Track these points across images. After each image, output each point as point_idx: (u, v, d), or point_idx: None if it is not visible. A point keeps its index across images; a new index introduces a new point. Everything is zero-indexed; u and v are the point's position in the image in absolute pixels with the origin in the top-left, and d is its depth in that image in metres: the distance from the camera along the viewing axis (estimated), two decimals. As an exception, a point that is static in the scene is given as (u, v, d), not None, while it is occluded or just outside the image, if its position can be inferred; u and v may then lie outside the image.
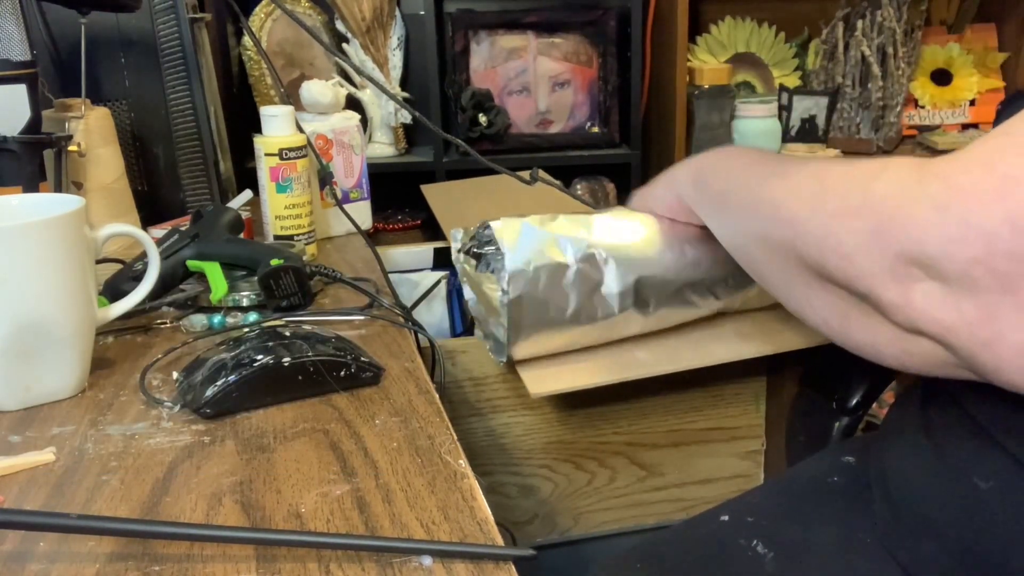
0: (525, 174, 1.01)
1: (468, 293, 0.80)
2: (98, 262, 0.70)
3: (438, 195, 1.35)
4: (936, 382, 0.59)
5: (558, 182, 1.10)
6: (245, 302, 0.82)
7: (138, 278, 0.73)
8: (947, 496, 0.56)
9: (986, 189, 0.42)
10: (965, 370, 0.47)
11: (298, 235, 0.98)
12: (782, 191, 0.57)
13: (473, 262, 0.79)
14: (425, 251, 1.29)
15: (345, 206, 1.06)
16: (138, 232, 0.70)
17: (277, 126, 0.97)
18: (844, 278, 0.50)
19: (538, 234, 0.77)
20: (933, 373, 0.50)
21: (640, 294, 0.78)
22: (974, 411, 0.54)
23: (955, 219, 0.43)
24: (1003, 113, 0.78)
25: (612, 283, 0.77)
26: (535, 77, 2.01)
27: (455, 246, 0.82)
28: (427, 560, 0.45)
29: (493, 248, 0.77)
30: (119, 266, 0.84)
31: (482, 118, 1.91)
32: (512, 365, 0.81)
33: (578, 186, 2.00)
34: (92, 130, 0.97)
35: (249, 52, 1.89)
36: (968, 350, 0.45)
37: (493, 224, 0.77)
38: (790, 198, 0.55)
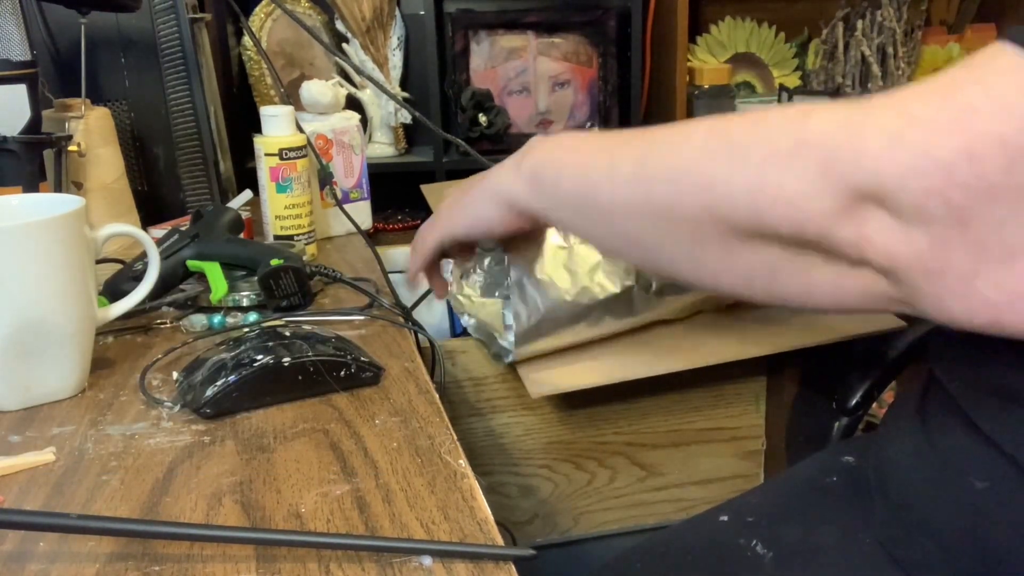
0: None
1: (467, 320, 0.80)
2: (98, 262, 0.70)
3: (438, 195, 1.35)
4: (935, 383, 0.60)
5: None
6: (245, 302, 0.82)
7: (138, 278, 0.73)
8: (944, 496, 0.56)
9: (944, 119, 0.41)
10: (901, 304, 0.47)
11: (298, 235, 0.98)
12: (683, 158, 0.51)
13: (474, 290, 0.77)
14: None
15: (345, 206, 1.06)
16: (138, 232, 0.70)
17: (277, 126, 0.97)
18: (789, 226, 0.47)
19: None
20: (864, 308, 0.49)
21: (640, 275, 0.77)
22: (971, 411, 0.54)
23: (911, 149, 0.42)
24: None
25: (609, 273, 0.76)
26: (535, 77, 2.01)
27: (450, 285, 0.81)
28: (427, 560, 0.45)
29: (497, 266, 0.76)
30: (119, 266, 0.84)
31: (482, 118, 1.91)
32: (512, 365, 0.81)
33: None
34: (92, 130, 0.97)
35: (249, 52, 1.89)
36: (914, 282, 0.44)
37: (487, 242, 0.77)
38: (698, 161, 0.50)
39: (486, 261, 0.77)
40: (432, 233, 0.70)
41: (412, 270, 0.73)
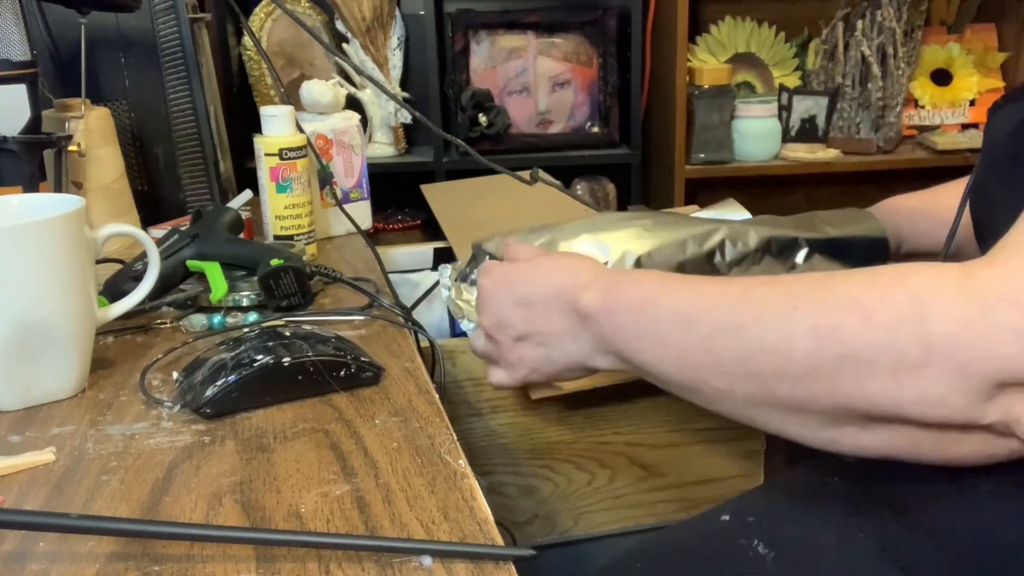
0: (525, 174, 1.01)
1: (466, 325, 0.79)
2: (98, 262, 0.70)
3: (438, 195, 1.35)
4: None
5: (558, 182, 1.10)
6: (245, 302, 0.82)
7: (138, 278, 0.73)
8: (946, 497, 0.56)
9: None
10: None
11: (298, 235, 0.98)
12: (802, 363, 0.51)
13: (471, 294, 0.76)
14: (425, 251, 1.29)
15: (345, 206, 1.06)
16: (138, 232, 0.70)
17: (277, 126, 0.97)
18: (935, 419, 0.49)
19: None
20: (1005, 459, 0.51)
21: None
22: None
23: None
24: (992, 119, 0.76)
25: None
26: (535, 77, 2.01)
27: (445, 290, 0.80)
28: (427, 560, 0.45)
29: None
30: (119, 266, 0.84)
31: (482, 118, 1.91)
32: None
33: (578, 186, 2.00)
34: (92, 130, 0.97)
35: (249, 52, 1.89)
36: None
37: (487, 245, 0.76)
38: (819, 369, 0.50)
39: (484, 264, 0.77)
40: (508, 379, 0.70)
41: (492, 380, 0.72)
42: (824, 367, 0.50)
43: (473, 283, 0.76)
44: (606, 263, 0.75)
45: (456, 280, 0.79)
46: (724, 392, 0.56)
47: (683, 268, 0.77)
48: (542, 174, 1.02)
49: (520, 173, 1.00)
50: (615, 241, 0.77)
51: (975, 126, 2.06)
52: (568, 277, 0.65)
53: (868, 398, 0.49)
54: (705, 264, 0.78)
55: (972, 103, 2.06)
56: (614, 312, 0.61)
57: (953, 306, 0.46)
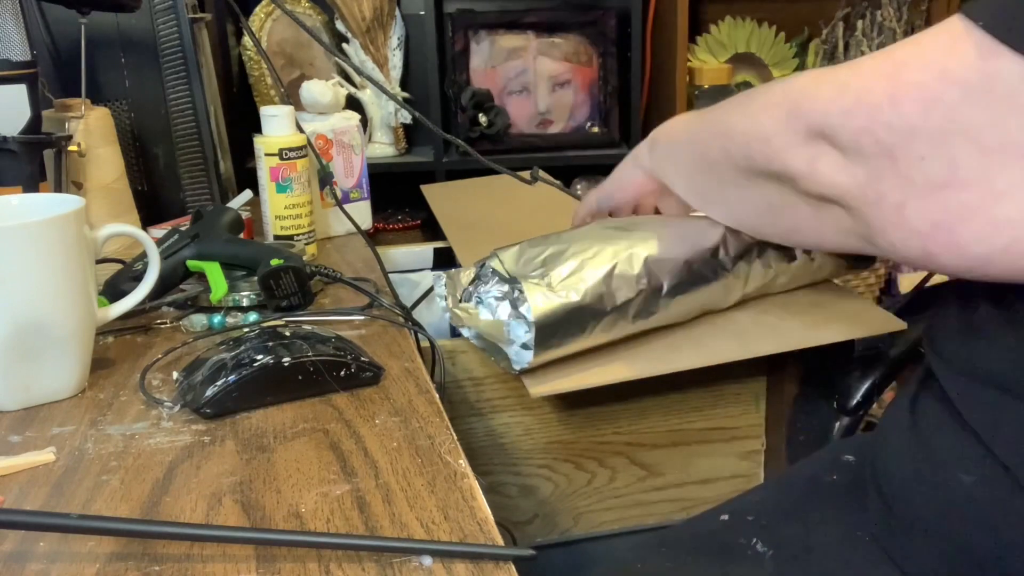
0: (526, 174, 1.01)
1: (468, 332, 0.79)
2: (98, 262, 0.70)
3: (438, 195, 1.35)
4: (929, 378, 0.60)
5: (558, 182, 1.10)
6: (245, 302, 0.82)
7: (138, 278, 0.73)
8: (934, 491, 0.57)
9: (879, 71, 0.50)
10: (864, 240, 0.55)
11: (298, 235, 0.98)
12: (732, 114, 0.65)
13: (474, 308, 0.76)
14: (425, 251, 1.29)
15: (345, 206, 1.06)
16: (138, 232, 0.70)
17: (277, 126, 0.97)
18: (764, 160, 0.59)
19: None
20: (842, 247, 0.60)
21: (652, 275, 0.77)
22: (960, 404, 0.55)
23: (851, 95, 0.51)
24: None
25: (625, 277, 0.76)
26: (535, 77, 2.01)
27: (441, 300, 0.80)
28: (427, 560, 0.45)
29: (504, 285, 0.75)
30: (119, 266, 0.84)
31: (482, 118, 1.91)
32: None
33: (578, 186, 2.00)
34: (92, 130, 0.97)
35: (249, 52, 1.89)
36: (861, 211, 0.53)
37: (492, 264, 0.76)
38: (726, 112, 0.65)
39: (484, 287, 0.76)
40: (591, 196, 0.88)
41: (574, 224, 0.89)
42: (729, 111, 0.65)
43: (479, 302, 0.76)
44: (614, 266, 0.75)
45: (459, 298, 0.78)
46: (692, 153, 0.72)
47: (690, 265, 0.77)
48: (542, 174, 1.02)
49: (520, 173, 1.00)
50: (621, 245, 0.77)
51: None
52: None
53: (735, 138, 0.63)
54: (711, 259, 0.78)
55: (972, 103, 2.06)
56: (662, 128, 0.79)
57: (822, 69, 0.56)
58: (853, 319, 0.83)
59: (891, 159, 0.49)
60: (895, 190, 0.50)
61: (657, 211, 0.85)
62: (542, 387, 0.75)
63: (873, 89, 0.50)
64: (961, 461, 0.54)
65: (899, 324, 0.82)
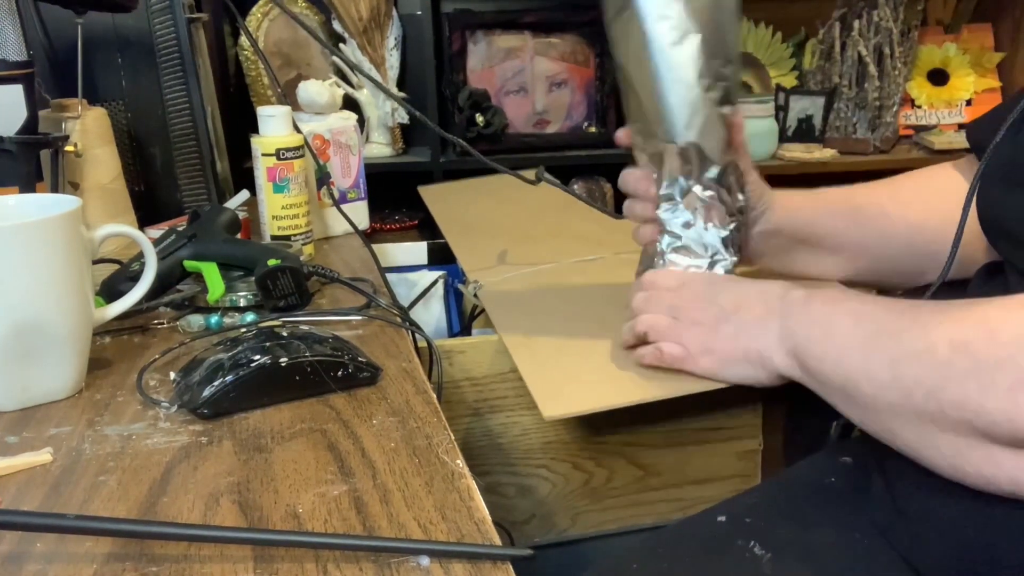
0: (528, 174, 1.00)
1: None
2: (95, 262, 0.70)
3: (436, 197, 1.35)
4: None
5: (558, 181, 1.10)
6: (242, 302, 0.82)
7: (135, 278, 0.73)
8: (955, 491, 0.56)
9: None
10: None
11: (295, 235, 0.98)
12: (934, 374, 0.54)
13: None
14: (422, 251, 1.29)
15: (342, 206, 1.06)
16: (135, 232, 0.70)
17: (274, 126, 0.97)
18: (1002, 437, 0.52)
19: None
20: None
21: None
22: None
23: None
24: (973, 132, 0.79)
25: None
26: (532, 77, 2.00)
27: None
28: (424, 560, 0.45)
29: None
30: (116, 266, 0.84)
31: (479, 118, 1.91)
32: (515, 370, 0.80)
33: (575, 186, 2.00)
34: (89, 130, 0.97)
35: (246, 52, 1.89)
36: None
37: None
38: (949, 379, 0.53)
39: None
40: (679, 356, 0.74)
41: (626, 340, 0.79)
42: (954, 379, 0.53)
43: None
44: None
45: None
46: (868, 397, 0.59)
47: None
48: (546, 174, 1.01)
49: (524, 172, 1.00)
50: None
51: (971, 126, 2.06)
52: (782, 283, 0.72)
53: (987, 414, 0.51)
54: None
55: (968, 103, 2.07)
56: (810, 302, 0.67)
57: None
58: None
59: None
60: None
61: None
62: (556, 410, 0.74)
63: None
64: None
65: None
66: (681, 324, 0.74)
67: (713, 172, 0.77)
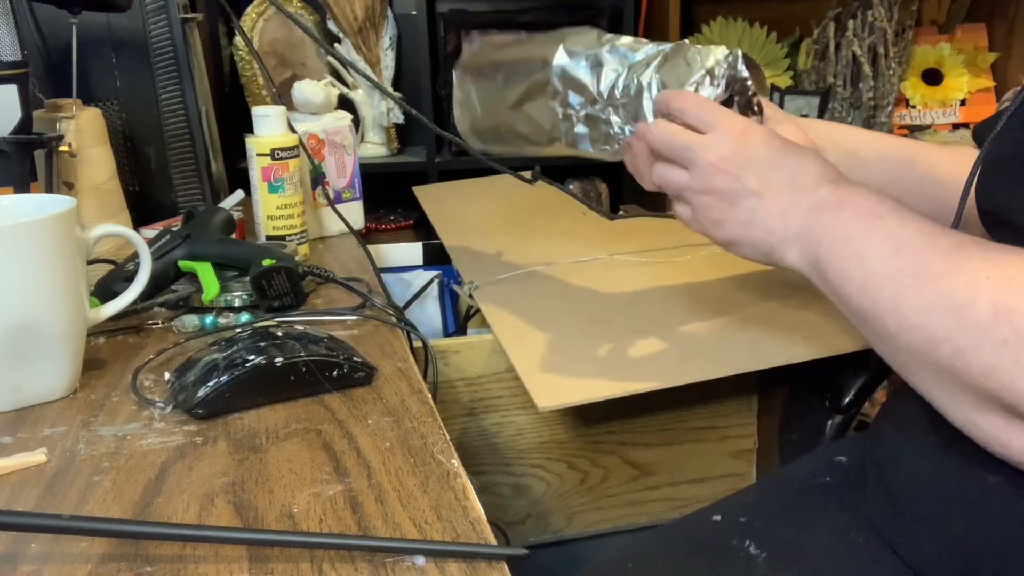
0: (526, 174, 1.00)
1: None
2: (90, 263, 0.70)
3: (431, 197, 1.35)
4: None
5: (556, 182, 1.10)
6: (237, 302, 0.82)
7: (130, 279, 0.73)
8: (950, 487, 0.57)
9: None
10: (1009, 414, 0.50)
11: (290, 235, 0.97)
12: (964, 333, 0.50)
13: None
14: (417, 251, 1.29)
15: (337, 206, 1.06)
16: (129, 232, 0.70)
17: (269, 126, 0.96)
18: (978, 387, 0.50)
19: None
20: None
21: None
22: None
23: None
24: (980, 131, 0.76)
25: None
26: (527, 77, 2.00)
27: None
28: (420, 560, 0.45)
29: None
30: (111, 267, 0.84)
31: (474, 118, 1.91)
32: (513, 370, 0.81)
33: (571, 186, 2.00)
34: (83, 130, 0.97)
35: (241, 52, 1.89)
36: None
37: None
38: (980, 344, 0.49)
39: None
40: (691, 221, 0.69)
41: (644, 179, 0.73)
42: (990, 344, 0.49)
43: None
44: None
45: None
46: (891, 332, 0.55)
47: None
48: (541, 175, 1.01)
49: (521, 173, 1.00)
50: None
51: (965, 126, 2.07)
52: (818, 165, 0.64)
53: (1017, 392, 0.48)
54: None
55: (963, 103, 2.07)
56: (842, 209, 0.60)
57: None
58: (850, 333, 0.83)
59: None
60: None
61: None
62: (549, 402, 0.74)
63: None
64: (986, 461, 0.53)
65: None
66: (694, 185, 0.67)
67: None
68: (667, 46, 0.74)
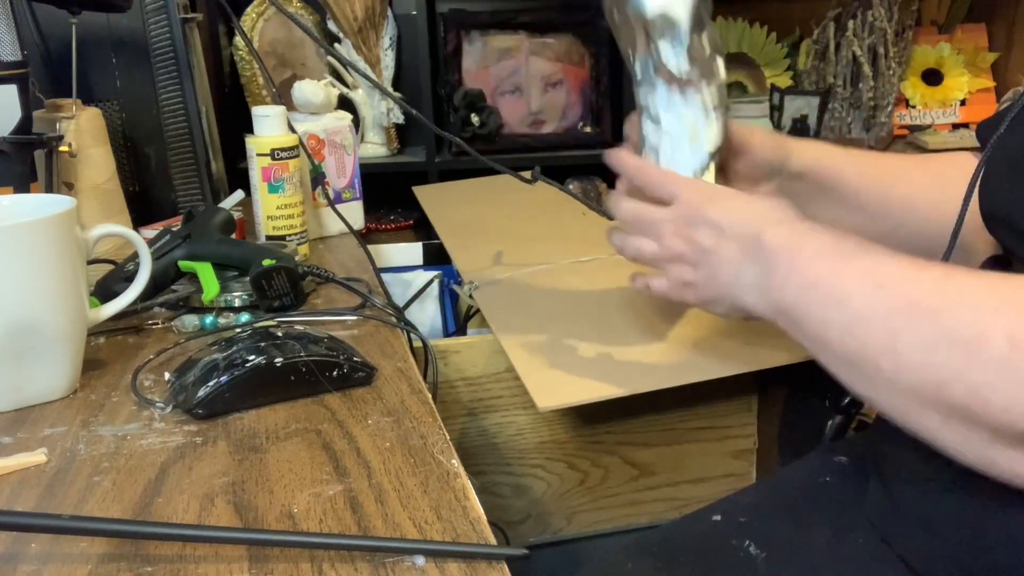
0: (526, 174, 1.00)
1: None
2: (90, 263, 0.70)
3: (431, 197, 1.35)
4: None
5: (556, 183, 1.10)
6: (237, 302, 0.82)
7: (130, 279, 0.73)
8: (953, 491, 0.57)
9: None
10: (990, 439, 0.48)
11: (290, 235, 0.97)
12: (979, 369, 0.47)
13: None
14: (417, 251, 1.29)
15: (337, 206, 1.06)
16: (129, 232, 0.70)
17: (269, 126, 0.96)
18: (982, 419, 0.47)
19: None
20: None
21: None
22: None
23: None
24: (983, 130, 0.75)
25: None
26: (527, 77, 2.00)
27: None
28: (420, 560, 0.45)
29: None
30: (111, 267, 0.84)
31: (474, 118, 1.91)
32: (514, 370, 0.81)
33: (571, 186, 2.01)
34: (83, 130, 0.97)
35: (241, 52, 1.89)
36: None
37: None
38: (998, 380, 0.46)
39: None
40: (666, 290, 0.69)
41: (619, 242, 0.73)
42: (1010, 379, 0.46)
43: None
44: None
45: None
46: (887, 374, 0.51)
47: None
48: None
49: (521, 173, 1.00)
50: None
51: (966, 126, 2.07)
52: (762, 211, 0.63)
53: (993, 404, 0.46)
54: None
55: (963, 103, 2.07)
56: (799, 252, 0.58)
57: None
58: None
59: None
60: None
61: None
62: (549, 401, 0.74)
63: None
64: None
65: None
66: (663, 254, 0.68)
67: (684, 41, 0.71)
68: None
